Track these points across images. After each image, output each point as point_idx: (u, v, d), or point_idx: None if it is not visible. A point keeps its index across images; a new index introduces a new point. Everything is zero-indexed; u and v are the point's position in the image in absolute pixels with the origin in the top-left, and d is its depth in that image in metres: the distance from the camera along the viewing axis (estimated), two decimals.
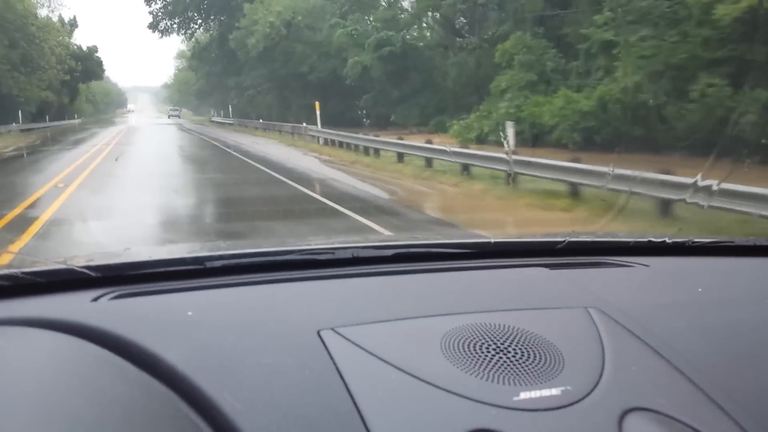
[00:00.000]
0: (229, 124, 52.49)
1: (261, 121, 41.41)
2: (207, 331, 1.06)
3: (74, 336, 0.99)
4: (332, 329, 1.06)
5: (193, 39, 57.75)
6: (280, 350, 1.01)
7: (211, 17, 54.72)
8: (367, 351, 1.02)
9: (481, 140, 24.68)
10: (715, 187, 4.11)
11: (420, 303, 1.23)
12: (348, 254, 1.41)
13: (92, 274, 1.21)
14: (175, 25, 55.18)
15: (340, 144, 23.85)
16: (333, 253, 1.42)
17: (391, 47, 34.08)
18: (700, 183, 4.15)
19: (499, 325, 1.11)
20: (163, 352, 0.97)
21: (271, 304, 1.20)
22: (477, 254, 1.54)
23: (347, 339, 1.04)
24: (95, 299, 1.16)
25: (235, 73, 53.89)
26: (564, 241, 1.56)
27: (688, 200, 5.90)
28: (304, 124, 29.42)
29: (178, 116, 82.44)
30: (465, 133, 26.00)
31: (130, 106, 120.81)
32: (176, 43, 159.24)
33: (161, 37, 55.42)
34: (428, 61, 36.08)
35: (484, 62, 31.97)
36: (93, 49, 68.64)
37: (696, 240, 1.62)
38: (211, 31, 55.50)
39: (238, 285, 1.26)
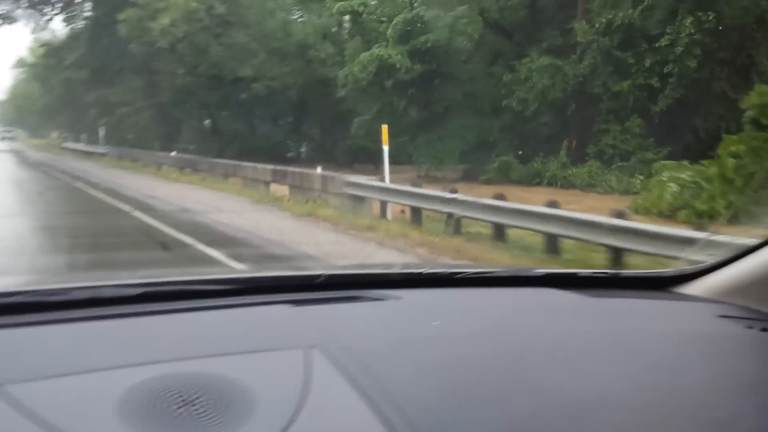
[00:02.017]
0: (101, 154, 35.61)
1: (174, 154, 25.31)
2: None
3: None
4: None
5: (47, 29, 40.34)
6: None
7: None
8: (28, 413, 0.92)
9: (714, 219, 11.71)
10: None
11: (125, 351, 1.13)
12: (85, 295, 1.32)
13: None
14: (20, 10, 37.72)
15: (492, 229, 9.78)
16: (68, 294, 1.33)
17: (427, 37, 20.14)
18: None
19: (200, 373, 1.05)
20: None
21: None
22: (229, 291, 1.48)
23: (13, 397, 0.95)
24: None
25: (106, 83, 37.59)
26: (321, 275, 1.53)
27: None
28: (319, 170, 14.77)
29: (12, 138, 66.97)
30: (674, 200, 12.86)
31: None
32: (16, 48, 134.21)
33: (1, 24, 37.45)
34: (470, 66, 22.58)
35: (593, 65, 19.17)
36: None
37: (455, 271, 1.64)
38: (75, 22, 38.54)
39: None
